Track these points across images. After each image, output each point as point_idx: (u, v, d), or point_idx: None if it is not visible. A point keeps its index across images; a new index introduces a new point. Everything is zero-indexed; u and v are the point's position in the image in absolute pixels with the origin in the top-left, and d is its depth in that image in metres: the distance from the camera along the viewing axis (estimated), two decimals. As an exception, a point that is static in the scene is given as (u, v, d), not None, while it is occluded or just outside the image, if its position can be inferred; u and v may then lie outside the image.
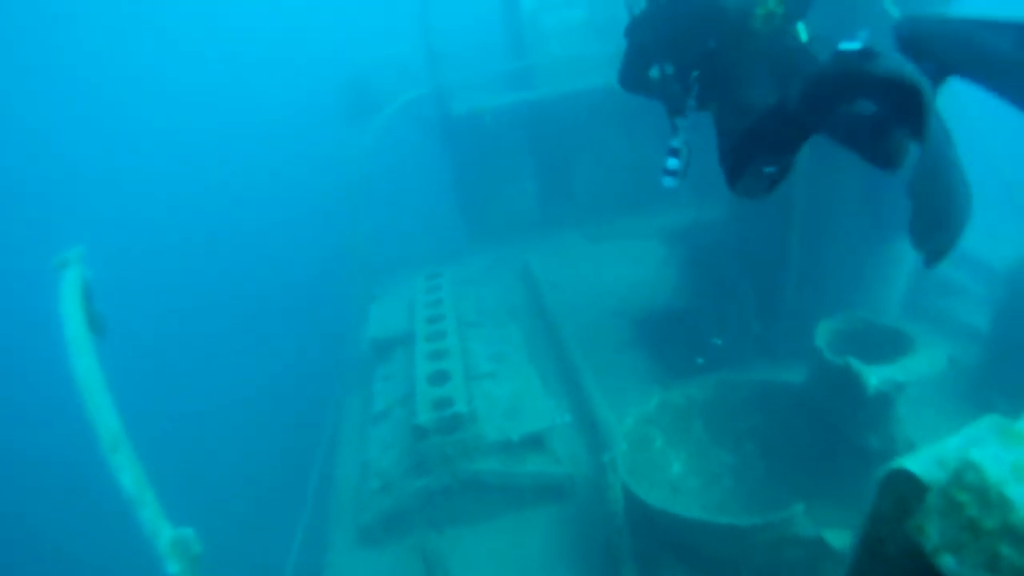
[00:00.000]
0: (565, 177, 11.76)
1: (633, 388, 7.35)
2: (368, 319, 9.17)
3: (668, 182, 4.47)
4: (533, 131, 11.43)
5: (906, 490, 1.40)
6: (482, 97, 11.15)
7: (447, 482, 6.23)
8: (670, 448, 6.19)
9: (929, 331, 7.67)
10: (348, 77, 15.45)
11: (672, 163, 4.42)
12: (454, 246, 11.62)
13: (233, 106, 30.09)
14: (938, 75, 2.88)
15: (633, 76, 4.54)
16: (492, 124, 10.78)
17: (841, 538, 4.68)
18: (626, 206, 11.08)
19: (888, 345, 5.78)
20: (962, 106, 5.44)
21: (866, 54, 2.78)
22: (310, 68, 24.60)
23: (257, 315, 19.41)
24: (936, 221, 3.24)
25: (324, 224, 15.13)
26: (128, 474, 3.45)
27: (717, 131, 3.85)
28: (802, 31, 3.88)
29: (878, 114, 3.03)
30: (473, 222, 11.89)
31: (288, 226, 22.55)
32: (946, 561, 1.16)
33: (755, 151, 3.58)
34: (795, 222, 7.12)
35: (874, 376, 5.31)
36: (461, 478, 6.22)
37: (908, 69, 2.70)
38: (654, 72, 4.35)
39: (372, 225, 12.04)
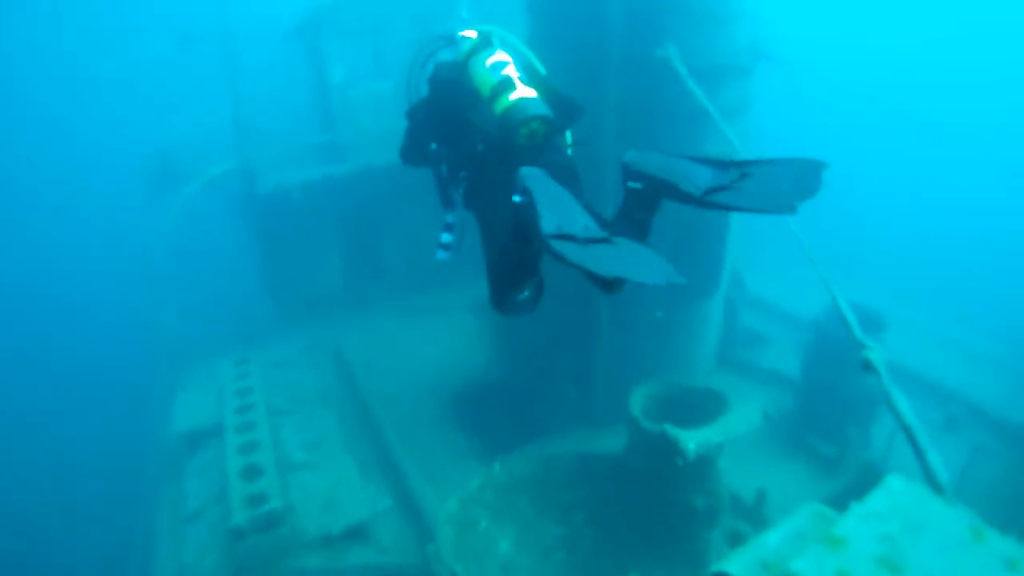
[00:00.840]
0: (375, 253, 11.64)
1: (454, 467, 7.29)
2: (175, 409, 8.69)
3: (441, 255, 4.65)
4: (342, 206, 11.26)
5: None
6: (290, 171, 10.94)
7: (271, 583, 5.92)
8: (496, 526, 6.11)
9: (742, 382, 8.10)
10: (153, 147, 14.83)
11: (445, 237, 4.60)
12: (264, 327, 11.20)
13: (35, 166, 28.28)
14: (654, 197, 3.33)
15: (412, 153, 4.64)
16: (300, 200, 10.57)
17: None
18: (437, 281, 11.00)
19: (702, 405, 5.95)
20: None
21: (525, 206, 3.08)
22: (114, 134, 23.47)
23: (53, 403, 17.95)
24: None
25: (125, 301, 14.26)
26: None
27: (483, 243, 3.95)
28: (567, 133, 4.25)
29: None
30: (283, 302, 11.51)
31: (86, 303, 21.15)
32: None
33: (505, 285, 3.69)
34: (600, 299, 7.30)
35: (691, 441, 5.42)
36: (285, 578, 5.94)
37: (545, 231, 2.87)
38: (433, 146, 4.41)
39: (176, 305, 11.49)
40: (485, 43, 4.19)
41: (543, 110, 3.77)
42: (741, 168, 3.24)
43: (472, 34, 4.31)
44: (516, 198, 3.18)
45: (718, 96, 6.66)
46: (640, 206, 3.39)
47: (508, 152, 3.80)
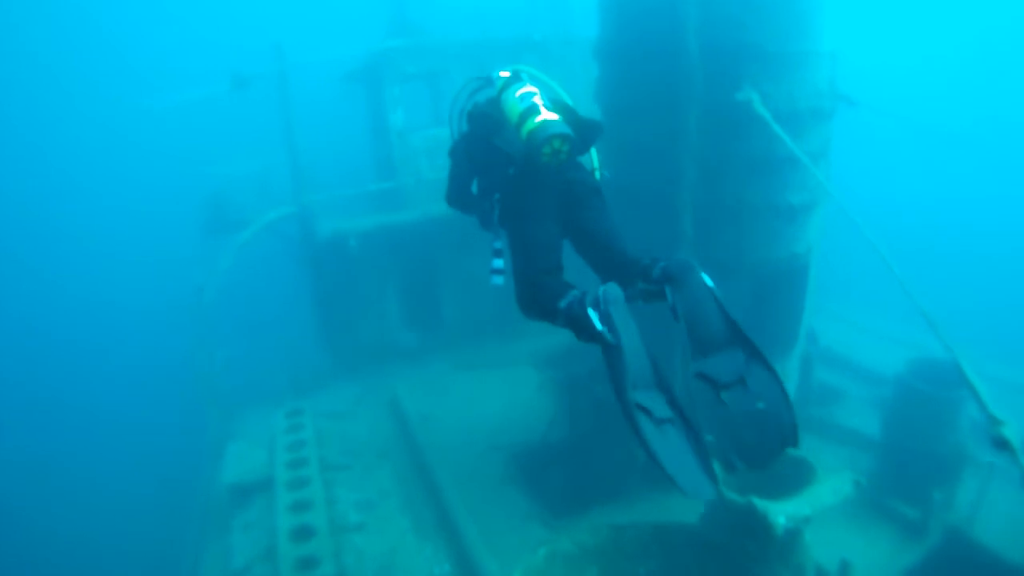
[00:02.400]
0: (434, 302, 11.37)
1: (516, 531, 6.87)
2: (224, 460, 8.39)
3: (497, 280, 4.84)
4: (401, 255, 11.06)
5: None
6: (348, 218, 10.76)
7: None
8: (563, 600, 5.69)
9: (817, 441, 7.61)
10: (208, 191, 14.78)
11: (497, 263, 4.82)
12: (318, 376, 10.93)
13: (91, 210, 28.72)
14: (665, 305, 3.86)
15: (456, 192, 5.07)
16: (357, 247, 10.34)
17: None
18: (497, 331, 10.74)
19: (786, 471, 5.54)
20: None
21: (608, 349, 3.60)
22: (169, 177, 23.70)
23: (99, 451, 17.84)
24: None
25: (177, 347, 14.09)
26: None
27: (511, 256, 4.41)
28: (593, 157, 4.82)
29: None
30: (338, 349, 11.29)
31: (138, 347, 21.19)
32: None
33: (530, 309, 4.23)
34: (676, 348, 6.92)
35: (781, 515, 5.03)
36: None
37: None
38: (475, 188, 4.92)
39: (228, 352, 11.27)
40: (515, 78, 4.66)
41: (564, 129, 4.18)
42: (752, 367, 3.64)
43: (506, 73, 4.78)
44: (593, 315, 3.60)
45: (799, 142, 6.37)
46: (653, 298, 3.96)
47: (535, 171, 4.31)
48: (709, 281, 3.83)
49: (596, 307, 3.61)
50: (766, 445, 3.64)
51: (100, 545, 13.76)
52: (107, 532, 14.08)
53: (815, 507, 5.15)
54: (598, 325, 3.56)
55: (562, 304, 3.83)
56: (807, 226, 7.18)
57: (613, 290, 3.64)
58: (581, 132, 4.42)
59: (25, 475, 16.75)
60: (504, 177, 4.51)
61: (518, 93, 4.46)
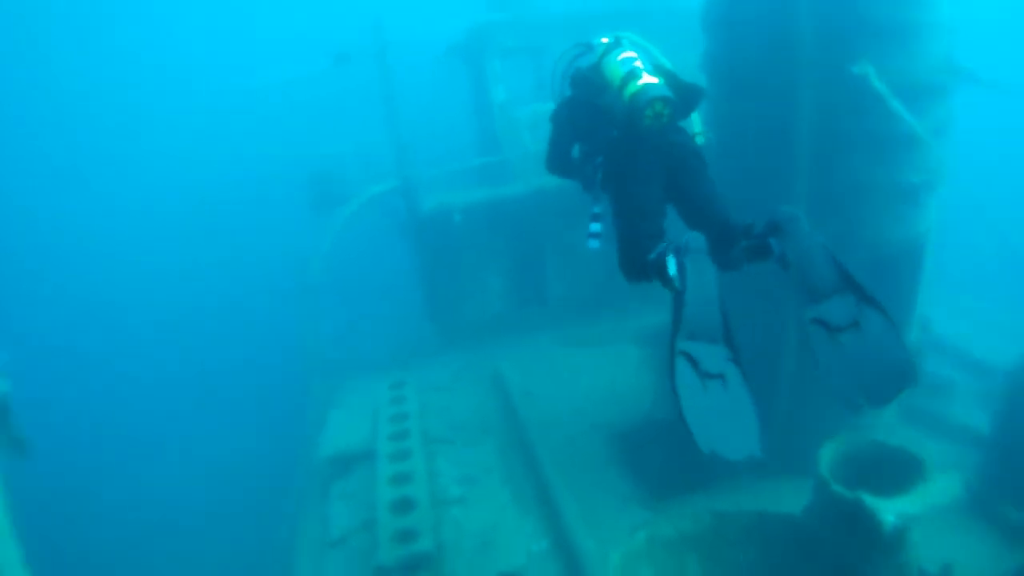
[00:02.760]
0: (539, 277, 11.29)
1: (615, 510, 6.75)
2: (326, 428, 8.53)
3: (593, 244, 4.94)
4: (505, 229, 10.99)
5: None
6: (452, 193, 10.76)
7: (411, 628, 5.57)
8: (662, 585, 5.60)
9: (925, 436, 7.26)
10: (313, 166, 15.03)
11: (594, 227, 4.90)
12: (421, 347, 11.02)
13: (196, 191, 29.62)
14: (771, 254, 3.89)
15: (557, 157, 5.14)
16: (462, 222, 10.34)
17: None
18: (601, 308, 10.61)
19: (895, 467, 5.31)
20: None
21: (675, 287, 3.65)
22: (276, 156, 24.19)
23: (208, 407, 18.43)
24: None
25: (285, 317, 14.43)
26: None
27: (614, 220, 4.47)
28: (695, 122, 4.83)
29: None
30: (442, 323, 11.33)
31: (248, 316, 21.79)
32: None
33: (631, 271, 4.26)
34: (789, 330, 6.68)
35: (890, 513, 4.81)
36: (427, 624, 5.57)
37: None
38: (576, 152, 5.03)
39: (334, 323, 11.46)
40: (616, 44, 4.70)
41: (665, 92, 4.25)
42: (864, 310, 3.72)
43: (607, 40, 4.82)
44: (671, 261, 3.65)
45: (916, 119, 6.06)
46: (758, 255, 3.95)
47: (637, 134, 4.32)
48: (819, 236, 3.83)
49: (676, 254, 3.67)
50: (887, 384, 3.74)
51: (199, 514, 14.19)
52: (206, 501, 14.56)
53: (924, 506, 4.99)
54: (671, 271, 3.62)
55: (652, 256, 3.90)
56: (926, 207, 6.82)
57: (696, 239, 3.68)
58: (683, 96, 4.45)
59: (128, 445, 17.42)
60: (607, 140, 4.59)
61: (619, 57, 4.50)
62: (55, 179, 30.35)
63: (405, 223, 11.33)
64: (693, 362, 3.58)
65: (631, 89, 4.29)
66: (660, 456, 7.34)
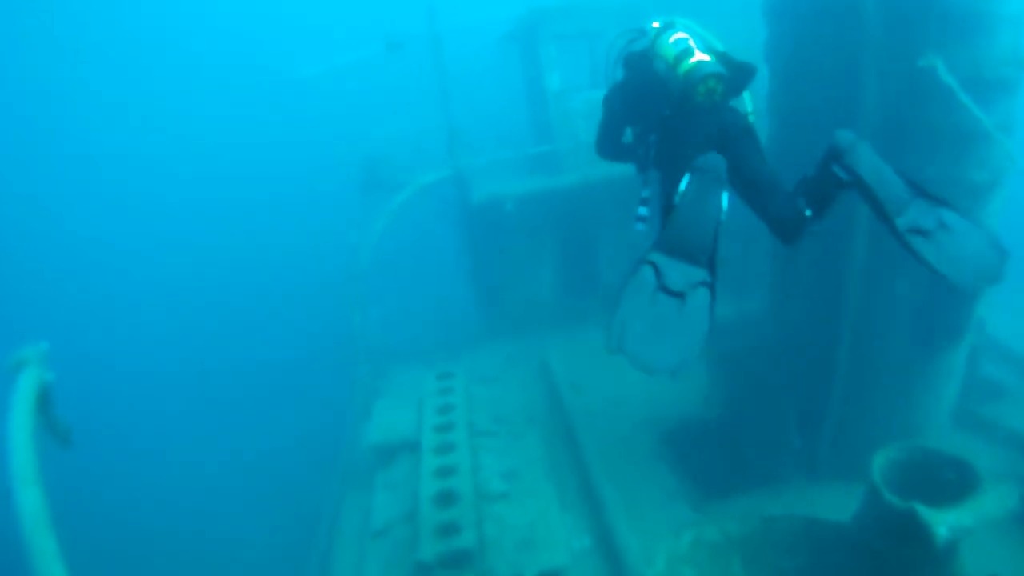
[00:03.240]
0: (590, 269, 11.15)
1: (661, 508, 6.66)
2: (372, 417, 8.51)
3: (640, 227, 5.05)
4: (557, 220, 10.91)
5: None
6: (504, 182, 10.68)
7: (452, 625, 5.52)
8: (707, 589, 5.46)
9: (979, 443, 6.99)
10: (365, 152, 15.05)
11: (642, 211, 5.05)
12: (470, 336, 10.98)
13: (248, 177, 29.95)
14: (849, 190, 3.98)
15: (609, 141, 5.24)
16: (514, 212, 10.25)
17: None
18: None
19: (948, 476, 5.10)
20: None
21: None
22: (329, 141, 24.32)
23: (254, 394, 18.59)
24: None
25: (333, 304, 14.49)
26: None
27: (661, 197, 4.53)
28: (747, 101, 4.80)
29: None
30: (491, 312, 11.27)
31: (295, 301, 21.99)
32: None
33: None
34: (844, 329, 6.49)
35: (943, 525, 4.61)
36: (468, 621, 5.51)
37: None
38: (627, 137, 5.15)
39: (382, 310, 11.44)
40: (668, 26, 4.76)
41: (718, 69, 4.34)
42: (941, 211, 3.85)
43: (658, 24, 4.86)
44: (840, 172, 3.90)
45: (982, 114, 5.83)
46: (834, 189, 4.00)
47: (690, 111, 4.42)
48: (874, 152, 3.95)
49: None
50: (981, 277, 3.88)
51: (240, 504, 14.34)
52: (250, 491, 14.70)
53: (978, 518, 4.72)
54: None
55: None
56: (988, 206, 6.57)
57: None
58: (735, 73, 4.51)
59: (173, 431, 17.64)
60: (660, 119, 4.65)
61: (672, 39, 4.60)
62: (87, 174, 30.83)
63: (457, 212, 11.29)
64: (658, 274, 3.72)
65: (684, 67, 4.38)
66: (709, 455, 7.23)
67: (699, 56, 4.41)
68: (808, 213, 4.07)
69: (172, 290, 26.11)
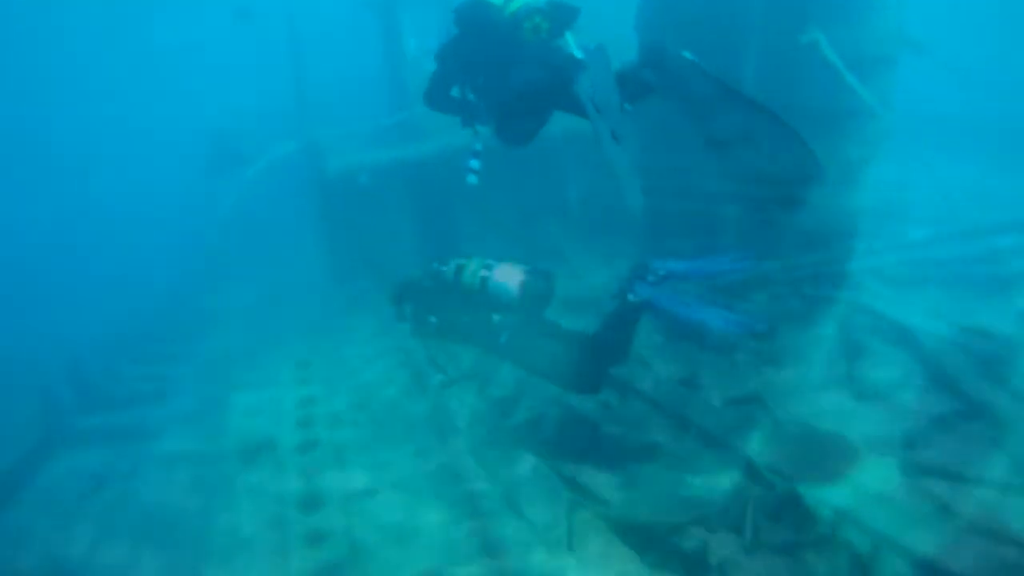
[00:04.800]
0: (451, 241, 10.72)
1: (536, 492, 6.27)
2: (229, 414, 7.87)
3: (472, 179, 5.56)
4: (415, 190, 10.42)
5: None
6: (360, 152, 10.12)
7: None
8: None
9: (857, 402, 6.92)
10: (211, 126, 14.22)
11: (474, 163, 5.52)
12: (329, 319, 10.36)
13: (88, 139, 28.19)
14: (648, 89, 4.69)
15: (438, 92, 5.56)
16: (369, 184, 9.73)
17: None
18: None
19: (825, 450, 5.20)
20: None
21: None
22: (172, 111, 23.07)
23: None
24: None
25: (180, 290, 13.49)
26: None
27: (490, 106, 5.18)
28: (571, 42, 5.02)
29: None
30: (351, 292, 10.66)
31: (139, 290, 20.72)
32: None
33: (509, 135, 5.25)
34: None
35: (823, 504, 4.58)
36: None
37: None
38: (455, 92, 5.47)
39: (235, 294, 10.75)
40: None
41: (541, 3, 4.74)
42: (749, 118, 4.32)
43: None
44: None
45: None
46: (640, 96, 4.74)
47: (517, 46, 4.79)
48: (688, 55, 4.45)
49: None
50: (796, 180, 4.53)
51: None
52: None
53: (860, 495, 4.70)
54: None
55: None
56: (860, 180, 6.69)
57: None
58: (561, 12, 4.88)
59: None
60: (487, 59, 5.00)
61: None
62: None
63: (311, 186, 10.68)
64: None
65: (512, 7, 4.76)
66: (582, 435, 6.95)
67: None
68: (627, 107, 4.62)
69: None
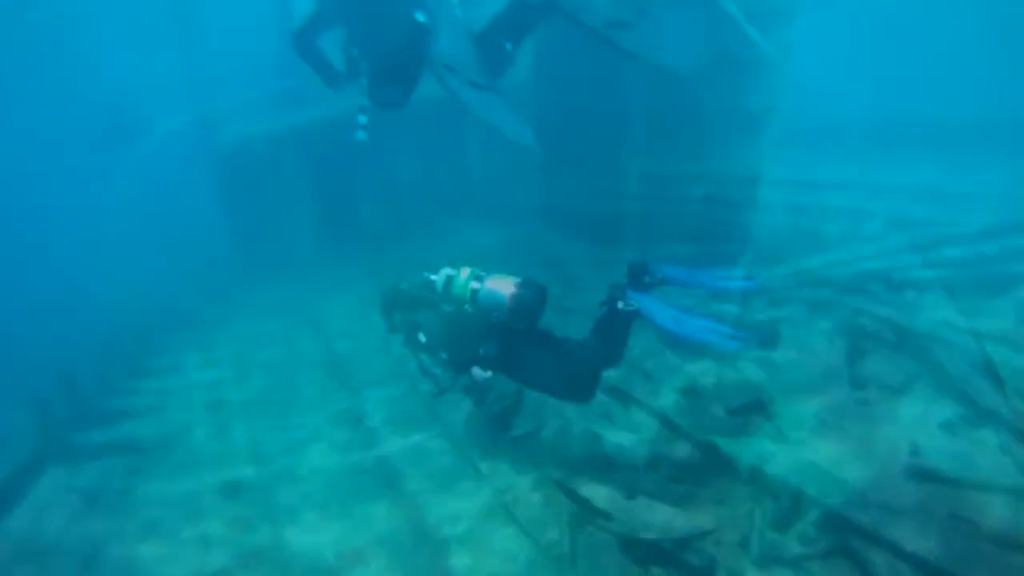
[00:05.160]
0: (350, 207, 10.54)
1: (453, 466, 6.19)
2: (139, 405, 7.60)
3: (360, 135, 5.82)
4: (309, 155, 10.19)
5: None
6: (254, 121, 9.81)
7: None
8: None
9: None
10: (100, 101, 13.62)
11: (362, 119, 5.75)
12: (232, 293, 10.10)
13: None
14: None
15: (308, 36, 5.84)
16: (264, 152, 9.46)
17: None
18: (417, 229, 10.14)
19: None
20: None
21: None
22: (60, 87, 21.97)
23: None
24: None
25: (75, 275, 12.88)
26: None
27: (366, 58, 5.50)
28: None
29: None
30: (252, 264, 10.42)
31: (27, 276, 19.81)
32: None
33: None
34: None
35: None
36: None
37: None
38: (320, 43, 5.79)
39: (132, 277, 10.35)
40: None
41: None
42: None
43: None
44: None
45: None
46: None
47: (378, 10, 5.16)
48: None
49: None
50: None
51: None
52: None
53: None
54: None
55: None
56: (764, 132, 6.72)
57: None
58: None
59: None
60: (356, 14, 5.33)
61: None
62: None
63: (204, 158, 10.32)
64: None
65: None
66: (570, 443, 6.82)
67: None
68: (509, 47, 5.19)
69: None
